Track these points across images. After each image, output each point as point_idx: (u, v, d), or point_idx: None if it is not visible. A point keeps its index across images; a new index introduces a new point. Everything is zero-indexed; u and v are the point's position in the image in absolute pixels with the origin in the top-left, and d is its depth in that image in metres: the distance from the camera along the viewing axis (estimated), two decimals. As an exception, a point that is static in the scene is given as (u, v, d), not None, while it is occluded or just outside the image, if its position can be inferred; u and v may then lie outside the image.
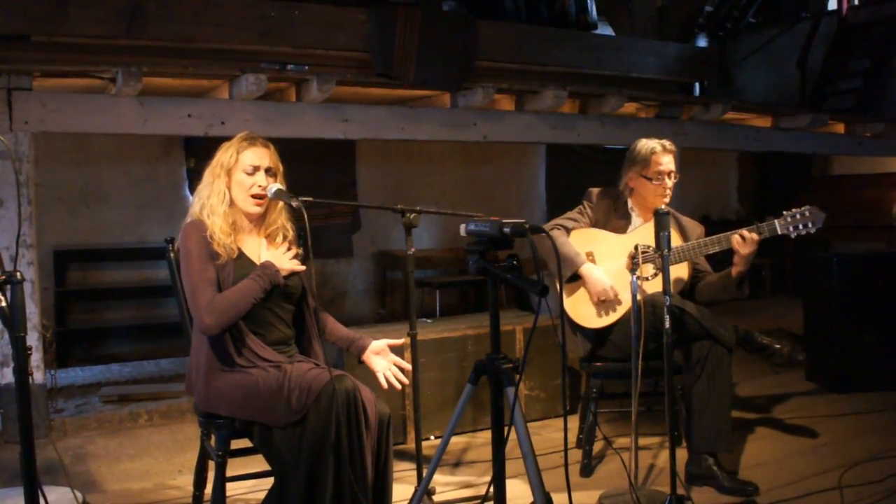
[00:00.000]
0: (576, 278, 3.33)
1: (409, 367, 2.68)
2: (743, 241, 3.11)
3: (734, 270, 3.21)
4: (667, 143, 3.37)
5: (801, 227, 3.09)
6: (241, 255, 2.51)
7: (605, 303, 3.28)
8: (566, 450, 2.14)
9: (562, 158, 7.67)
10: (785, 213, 3.12)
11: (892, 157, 7.30)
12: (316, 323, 2.65)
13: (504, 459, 2.18)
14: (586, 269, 3.29)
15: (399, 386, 2.61)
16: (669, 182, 3.33)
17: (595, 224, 3.45)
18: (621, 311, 3.28)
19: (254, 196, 2.49)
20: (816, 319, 4.82)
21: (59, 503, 2.50)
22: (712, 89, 8.66)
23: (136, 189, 6.02)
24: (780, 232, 3.11)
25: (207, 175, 2.54)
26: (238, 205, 2.52)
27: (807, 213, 3.09)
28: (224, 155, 2.52)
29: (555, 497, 2.21)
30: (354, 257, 6.96)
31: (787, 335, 5.56)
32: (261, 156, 2.52)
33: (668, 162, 3.32)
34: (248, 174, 2.49)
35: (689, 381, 3.17)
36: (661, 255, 2.71)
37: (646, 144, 3.38)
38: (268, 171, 2.51)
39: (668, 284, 2.70)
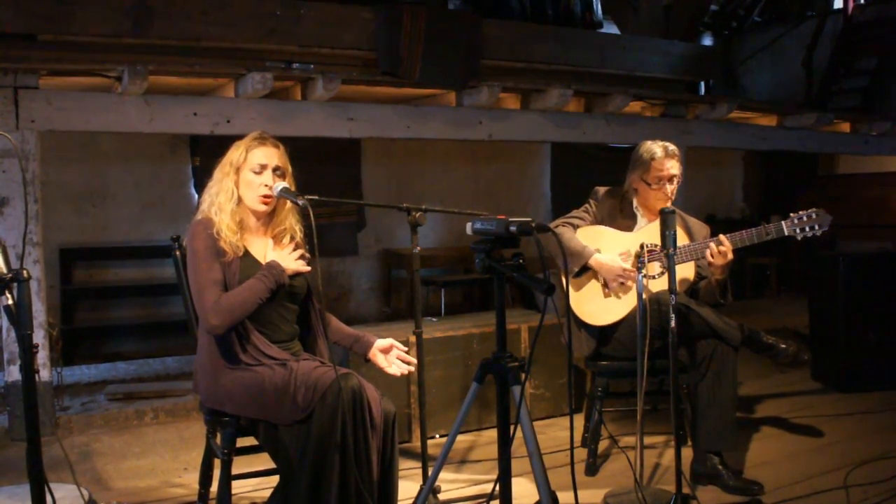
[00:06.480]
0: (585, 271, 3.32)
1: (414, 360, 2.69)
2: (716, 252, 3.11)
3: (712, 279, 3.24)
4: (669, 146, 3.34)
5: (807, 229, 3.10)
6: (247, 254, 2.51)
7: (619, 288, 3.27)
8: (572, 448, 2.14)
9: (567, 157, 7.67)
10: (792, 214, 3.12)
11: (898, 155, 7.29)
12: (321, 322, 2.65)
13: (510, 458, 2.17)
14: (596, 260, 3.28)
15: (410, 369, 2.63)
16: (670, 187, 3.31)
17: (601, 222, 3.43)
18: (627, 308, 3.27)
19: (261, 197, 2.50)
20: (822, 318, 4.81)
21: (65, 500, 2.51)
22: (718, 88, 8.67)
23: (141, 187, 6.04)
24: (786, 234, 3.11)
25: (217, 173, 2.54)
26: (246, 203, 2.52)
27: (814, 216, 3.09)
28: (234, 153, 2.54)
29: (560, 496, 2.21)
30: (359, 256, 6.97)
31: (793, 334, 5.55)
32: (269, 155, 2.52)
33: (669, 167, 3.30)
34: (256, 173, 2.50)
35: (695, 379, 3.16)
36: (667, 253, 2.71)
37: (648, 149, 3.35)
38: (276, 170, 2.51)
39: (674, 283, 2.70)
